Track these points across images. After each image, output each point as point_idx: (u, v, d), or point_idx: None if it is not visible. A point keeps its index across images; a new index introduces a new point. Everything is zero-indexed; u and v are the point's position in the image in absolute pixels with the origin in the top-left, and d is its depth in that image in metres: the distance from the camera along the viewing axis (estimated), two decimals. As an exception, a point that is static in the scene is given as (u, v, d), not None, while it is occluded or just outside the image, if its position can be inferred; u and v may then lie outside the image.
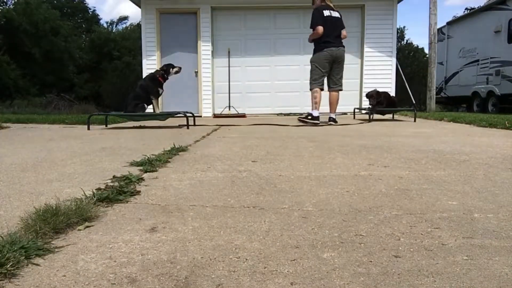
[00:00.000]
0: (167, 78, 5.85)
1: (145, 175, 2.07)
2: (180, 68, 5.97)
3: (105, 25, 27.33)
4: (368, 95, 6.97)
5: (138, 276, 0.95)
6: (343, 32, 5.97)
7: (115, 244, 1.15)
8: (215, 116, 9.13)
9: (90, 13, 28.17)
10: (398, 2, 9.42)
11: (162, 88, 5.81)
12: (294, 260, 1.04)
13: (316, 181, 1.94)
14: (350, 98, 9.50)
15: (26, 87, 18.73)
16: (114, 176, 2.01)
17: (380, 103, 6.84)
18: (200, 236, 1.21)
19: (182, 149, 3.00)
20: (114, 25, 27.71)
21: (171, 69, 5.84)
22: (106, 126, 5.75)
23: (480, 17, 11.30)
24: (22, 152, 3.00)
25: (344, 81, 10.45)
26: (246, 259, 1.04)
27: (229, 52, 9.44)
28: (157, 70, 5.98)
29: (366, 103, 8.77)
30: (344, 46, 6.03)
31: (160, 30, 9.36)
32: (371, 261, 1.02)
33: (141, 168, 2.25)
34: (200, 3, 9.23)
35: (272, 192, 1.74)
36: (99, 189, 1.73)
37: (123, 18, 28.24)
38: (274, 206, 1.52)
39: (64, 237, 1.20)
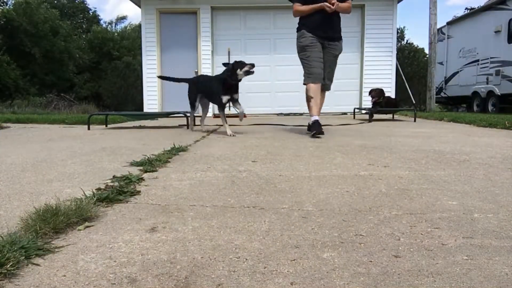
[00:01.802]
0: (238, 80, 4.30)
1: (145, 175, 2.07)
2: (252, 65, 4.24)
3: (104, 25, 27.35)
4: (372, 94, 6.91)
5: (138, 276, 0.95)
6: None
7: (115, 244, 1.15)
8: (215, 116, 9.13)
9: (91, 13, 28.20)
10: (398, 2, 9.42)
11: (228, 94, 4.26)
12: (294, 260, 1.04)
13: (316, 181, 1.94)
14: (350, 98, 9.52)
15: (26, 87, 18.73)
16: (114, 176, 2.01)
17: (379, 104, 6.84)
18: (200, 236, 1.21)
19: (182, 149, 3.00)
20: (113, 25, 27.74)
21: (238, 70, 4.20)
22: (106, 126, 5.75)
23: (480, 17, 11.30)
24: (22, 152, 3.00)
25: (344, 81, 10.47)
26: (246, 259, 1.04)
27: (229, 52, 9.44)
28: (226, 69, 4.36)
29: (366, 103, 8.79)
30: None
31: (160, 30, 9.37)
32: (371, 261, 1.02)
33: (141, 168, 2.25)
34: (200, 3, 9.23)
35: (272, 192, 1.74)
36: (99, 189, 1.73)
37: (121, 18, 28.29)
38: (274, 206, 1.52)
39: (64, 237, 1.20)
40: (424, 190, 1.74)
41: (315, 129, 3.93)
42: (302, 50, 4.34)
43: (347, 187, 1.82)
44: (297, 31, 4.43)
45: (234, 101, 4.38)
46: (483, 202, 1.56)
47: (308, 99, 4.19)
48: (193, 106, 4.76)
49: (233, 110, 9.54)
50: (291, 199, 1.62)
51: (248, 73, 4.22)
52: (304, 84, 4.25)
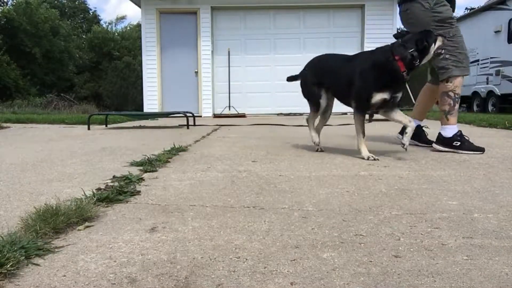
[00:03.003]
0: (418, 65, 2.52)
1: (145, 175, 2.07)
2: (444, 36, 2.70)
3: (104, 25, 27.36)
4: None
5: (138, 276, 0.95)
6: None
7: (115, 244, 1.15)
8: (215, 116, 9.13)
9: (91, 13, 28.22)
10: (398, 2, 9.42)
11: (387, 91, 2.51)
12: (294, 260, 1.04)
13: (316, 181, 1.94)
14: (350, 98, 9.52)
15: (26, 87, 18.74)
16: (114, 176, 2.01)
17: None
18: (200, 236, 1.21)
19: (182, 149, 3.00)
20: (113, 25, 27.74)
21: (433, 45, 2.57)
22: (106, 126, 5.75)
23: (480, 17, 11.31)
24: (22, 152, 3.00)
25: (344, 81, 10.40)
26: (246, 259, 1.04)
27: (229, 52, 9.44)
28: (397, 44, 2.55)
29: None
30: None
31: (160, 30, 9.37)
32: (371, 261, 1.02)
33: (141, 168, 2.25)
34: (200, 3, 9.24)
35: (272, 192, 1.74)
36: (99, 189, 1.73)
37: (121, 18, 28.30)
38: (274, 206, 1.52)
39: (64, 237, 1.20)
40: (424, 190, 1.74)
41: (474, 147, 2.80)
42: (443, 25, 2.83)
43: (347, 187, 1.82)
44: (414, 0, 2.93)
45: (391, 105, 2.62)
46: (483, 202, 1.55)
47: (456, 98, 2.88)
48: (316, 106, 2.88)
49: (232, 110, 9.58)
50: (291, 199, 1.62)
51: (439, 54, 2.71)
52: (449, 77, 2.84)
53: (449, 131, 2.87)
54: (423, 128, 3.22)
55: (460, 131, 2.88)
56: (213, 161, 2.54)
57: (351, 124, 5.93)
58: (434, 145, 2.96)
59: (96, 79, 21.48)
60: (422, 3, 2.89)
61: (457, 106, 2.90)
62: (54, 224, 1.22)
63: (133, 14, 52.97)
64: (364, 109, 2.65)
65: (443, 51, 2.73)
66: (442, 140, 2.89)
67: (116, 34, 25.35)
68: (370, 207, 1.50)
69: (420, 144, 3.15)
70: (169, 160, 2.54)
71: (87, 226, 1.29)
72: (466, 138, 2.86)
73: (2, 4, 22.07)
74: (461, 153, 2.77)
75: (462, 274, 0.95)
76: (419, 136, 3.16)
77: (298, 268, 0.99)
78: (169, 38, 9.37)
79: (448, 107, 2.88)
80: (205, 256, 1.06)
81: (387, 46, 2.59)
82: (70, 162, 2.52)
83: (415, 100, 3.45)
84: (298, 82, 3.06)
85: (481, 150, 2.79)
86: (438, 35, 2.64)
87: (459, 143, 2.82)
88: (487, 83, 10.73)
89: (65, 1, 26.71)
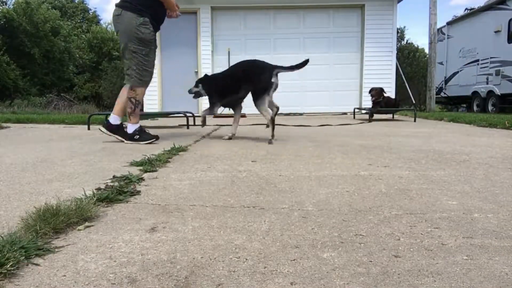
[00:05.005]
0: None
1: (145, 175, 2.07)
2: None
3: (104, 25, 27.32)
4: (372, 93, 6.90)
5: (138, 276, 0.95)
6: None
7: (115, 244, 1.15)
8: (215, 116, 9.12)
9: (91, 13, 28.21)
10: (398, 2, 9.43)
11: None
12: (294, 260, 1.04)
13: (316, 181, 1.94)
14: (350, 98, 9.52)
15: (26, 87, 18.73)
16: (114, 176, 2.01)
17: (379, 104, 6.85)
18: (200, 236, 1.21)
19: (182, 149, 3.00)
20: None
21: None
22: (106, 126, 5.74)
23: (480, 17, 11.31)
24: (22, 152, 3.00)
25: (344, 81, 10.39)
26: (246, 259, 1.04)
27: (229, 52, 9.44)
28: None
29: (366, 103, 8.79)
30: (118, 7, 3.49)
31: (160, 30, 9.37)
32: (371, 261, 1.02)
33: (141, 168, 2.25)
34: (200, 3, 9.24)
35: (272, 192, 1.74)
36: (99, 189, 1.73)
37: (121, 18, 28.26)
38: (274, 206, 1.52)
39: (64, 237, 1.20)
40: (424, 190, 1.74)
41: (149, 136, 3.51)
42: (142, 43, 3.43)
43: (347, 187, 1.82)
44: (128, 10, 3.39)
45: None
46: (483, 202, 1.56)
47: (136, 103, 3.56)
48: None
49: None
50: (291, 199, 1.62)
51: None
52: (133, 86, 3.51)
53: (131, 128, 3.54)
54: (123, 125, 3.68)
55: (141, 126, 3.58)
56: (213, 161, 2.54)
57: (351, 124, 5.96)
58: (125, 141, 3.55)
59: (96, 79, 21.47)
60: (133, 17, 3.37)
61: (137, 109, 3.59)
62: (54, 224, 1.22)
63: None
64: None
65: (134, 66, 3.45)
66: (127, 135, 3.55)
67: (116, 34, 25.30)
68: (370, 207, 1.50)
69: (124, 140, 3.55)
70: (169, 160, 2.55)
71: (87, 226, 1.29)
72: (146, 131, 3.61)
73: (2, 4, 22.05)
74: (142, 143, 3.44)
75: (462, 274, 0.95)
76: (122, 132, 3.60)
77: (298, 268, 0.99)
78: (169, 38, 9.37)
79: (130, 110, 3.57)
80: (205, 256, 1.06)
81: None
82: (70, 162, 2.52)
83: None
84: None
85: (155, 137, 3.52)
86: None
87: (138, 136, 3.51)
88: (487, 83, 10.73)
89: (64, 1, 26.70)
